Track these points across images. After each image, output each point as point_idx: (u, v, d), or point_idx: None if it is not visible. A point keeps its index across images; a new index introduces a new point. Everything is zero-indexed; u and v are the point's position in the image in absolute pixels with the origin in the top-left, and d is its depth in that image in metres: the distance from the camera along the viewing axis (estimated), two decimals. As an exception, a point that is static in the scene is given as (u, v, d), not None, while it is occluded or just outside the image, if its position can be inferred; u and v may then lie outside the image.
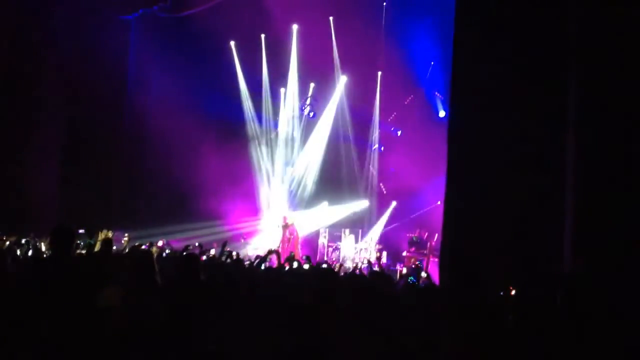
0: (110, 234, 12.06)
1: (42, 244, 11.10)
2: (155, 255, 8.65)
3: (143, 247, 10.48)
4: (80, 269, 5.05)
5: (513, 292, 6.77)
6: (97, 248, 7.82)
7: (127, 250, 10.38)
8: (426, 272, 11.33)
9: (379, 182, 18.07)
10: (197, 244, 9.92)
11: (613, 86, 7.93)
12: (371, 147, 18.32)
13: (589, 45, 8.34)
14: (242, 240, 17.29)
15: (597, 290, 6.64)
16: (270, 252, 9.28)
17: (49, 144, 16.85)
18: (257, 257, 10.04)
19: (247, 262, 9.46)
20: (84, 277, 4.81)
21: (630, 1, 7.96)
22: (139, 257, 5.41)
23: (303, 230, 17.03)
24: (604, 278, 7.41)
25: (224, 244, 9.75)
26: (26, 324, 4.51)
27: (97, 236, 10.15)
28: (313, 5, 16.29)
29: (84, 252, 8.35)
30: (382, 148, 18.24)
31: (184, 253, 8.27)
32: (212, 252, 11.35)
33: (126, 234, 14.27)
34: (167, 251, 11.39)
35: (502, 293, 6.80)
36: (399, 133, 17.95)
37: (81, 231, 8.27)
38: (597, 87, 8.12)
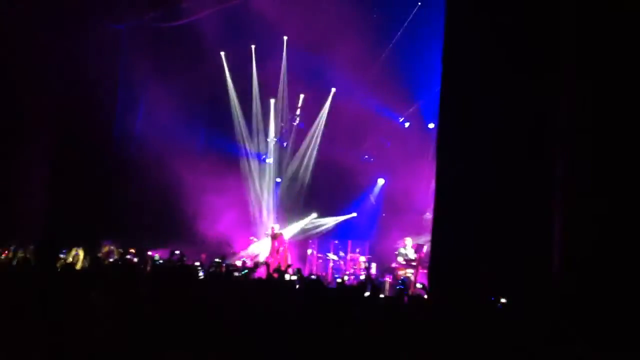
0: (80, 252, 12.00)
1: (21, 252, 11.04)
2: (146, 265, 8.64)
3: (135, 259, 10.44)
4: (65, 279, 5.03)
5: (503, 301, 6.79)
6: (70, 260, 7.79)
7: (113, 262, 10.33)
8: (421, 283, 11.35)
9: (368, 193, 18.07)
10: (177, 252, 9.88)
11: (602, 91, 7.99)
12: (361, 158, 18.33)
13: (579, 54, 8.40)
14: (231, 251, 17.22)
15: (587, 300, 6.67)
16: (257, 264, 9.26)
17: (37, 155, 16.73)
18: (246, 268, 10.03)
19: (236, 273, 9.44)
20: (69, 287, 4.79)
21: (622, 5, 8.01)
22: (122, 269, 5.37)
23: (292, 241, 17.00)
24: (593, 285, 7.44)
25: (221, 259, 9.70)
26: (11, 330, 4.48)
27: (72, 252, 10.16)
28: (304, 17, 16.33)
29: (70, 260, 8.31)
30: (372, 159, 18.26)
31: (173, 262, 8.24)
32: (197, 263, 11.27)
33: (112, 246, 14.19)
34: (160, 261, 11.34)
35: (492, 299, 6.81)
36: (389, 144, 17.98)
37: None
38: (587, 93, 8.18)
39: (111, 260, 12.43)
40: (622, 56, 7.95)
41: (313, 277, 13.10)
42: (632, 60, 7.87)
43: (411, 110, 17.54)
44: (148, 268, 9.39)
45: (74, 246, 12.95)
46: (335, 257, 16.67)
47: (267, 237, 16.46)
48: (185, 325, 4.91)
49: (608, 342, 5.32)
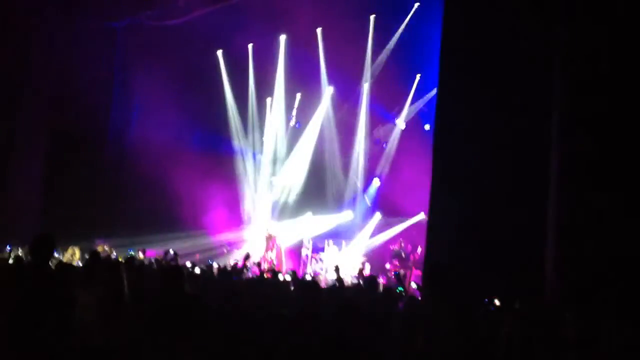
0: (76, 250, 11.98)
1: (21, 251, 11.01)
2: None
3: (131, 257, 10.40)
4: (59, 277, 5.00)
5: (497, 303, 6.79)
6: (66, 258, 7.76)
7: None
8: (414, 282, 11.34)
9: (363, 193, 18.06)
10: (171, 252, 9.84)
11: (596, 103, 8.01)
12: (356, 158, 18.31)
13: (573, 64, 8.42)
14: (226, 250, 17.20)
15: (582, 302, 6.66)
16: (248, 256, 9.22)
17: (32, 153, 16.70)
18: (237, 267, 10.00)
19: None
20: (63, 286, 4.76)
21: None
22: (109, 270, 5.33)
23: (286, 240, 16.97)
24: (588, 287, 7.46)
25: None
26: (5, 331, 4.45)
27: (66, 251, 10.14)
28: (301, 16, 16.32)
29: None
30: (368, 160, 18.24)
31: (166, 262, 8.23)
32: (188, 264, 11.20)
33: (105, 245, 14.16)
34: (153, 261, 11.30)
35: (486, 301, 6.81)
36: (385, 145, 17.96)
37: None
38: (580, 101, 8.20)
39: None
40: (619, 55, 7.95)
41: (308, 278, 13.09)
42: (629, 56, 7.87)
43: (408, 111, 17.52)
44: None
45: (69, 244, 12.95)
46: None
47: (261, 237, 16.41)
48: (175, 326, 4.90)
49: (604, 344, 5.32)
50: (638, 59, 7.77)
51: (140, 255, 12.02)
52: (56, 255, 11.55)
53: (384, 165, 17.65)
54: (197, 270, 9.68)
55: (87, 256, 8.62)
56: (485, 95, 9.42)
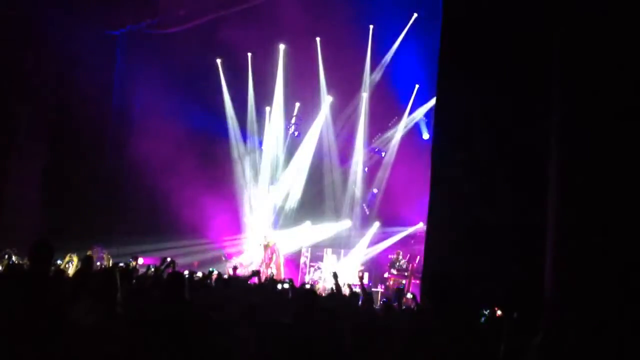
0: (74, 258, 11.96)
1: (19, 259, 10.99)
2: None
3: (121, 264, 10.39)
4: (57, 284, 4.99)
5: (499, 313, 6.77)
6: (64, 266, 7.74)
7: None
8: (411, 293, 11.32)
9: (362, 202, 18.06)
10: (169, 259, 9.79)
11: (596, 105, 8.00)
12: (355, 167, 18.31)
13: (572, 75, 8.43)
14: (224, 259, 17.18)
15: (581, 309, 6.64)
16: (253, 273, 9.22)
17: (31, 160, 16.70)
18: (238, 276, 9.97)
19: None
20: (60, 292, 4.74)
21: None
22: (103, 275, 5.30)
23: (285, 249, 16.96)
24: (588, 296, 7.44)
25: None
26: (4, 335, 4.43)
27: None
28: (301, 26, 16.37)
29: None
30: (366, 169, 18.25)
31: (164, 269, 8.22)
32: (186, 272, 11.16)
33: (102, 251, 14.13)
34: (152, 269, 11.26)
35: (487, 312, 6.79)
36: (384, 154, 17.99)
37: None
38: (579, 112, 8.21)
39: (100, 265, 12.37)
40: (620, 57, 7.95)
41: (307, 286, 13.04)
42: (630, 59, 7.87)
43: (406, 121, 17.55)
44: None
45: (67, 252, 12.92)
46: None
47: (260, 246, 16.40)
48: (173, 333, 4.89)
49: (602, 352, 5.32)
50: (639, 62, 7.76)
51: (135, 262, 11.98)
52: (58, 262, 11.55)
53: (382, 174, 17.66)
54: (196, 278, 9.64)
55: (83, 258, 8.63)
56: (484, 103, 9.43)
